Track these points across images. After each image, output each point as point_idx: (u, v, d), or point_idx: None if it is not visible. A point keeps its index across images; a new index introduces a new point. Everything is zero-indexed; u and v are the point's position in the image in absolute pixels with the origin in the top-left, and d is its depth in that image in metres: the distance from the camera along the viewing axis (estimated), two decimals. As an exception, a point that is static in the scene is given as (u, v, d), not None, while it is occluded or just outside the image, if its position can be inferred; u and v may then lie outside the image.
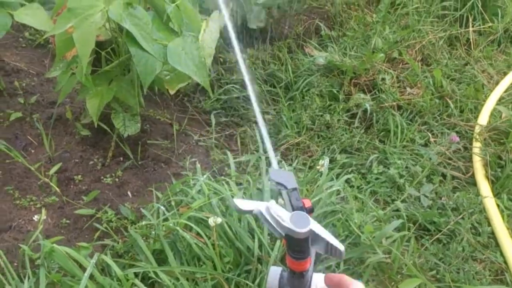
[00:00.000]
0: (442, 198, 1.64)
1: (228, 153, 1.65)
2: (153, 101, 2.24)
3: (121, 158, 1.78)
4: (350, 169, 1.80)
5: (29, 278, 1.02)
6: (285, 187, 0.95)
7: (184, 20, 1.94)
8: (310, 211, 0.94)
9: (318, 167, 1.37)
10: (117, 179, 1.68)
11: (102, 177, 1.68)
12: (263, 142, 1.98)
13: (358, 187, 1.70)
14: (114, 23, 1.61)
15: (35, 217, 1.21)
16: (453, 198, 1.63)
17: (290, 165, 1.83)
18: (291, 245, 0.93)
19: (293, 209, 0.92)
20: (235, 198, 0.94)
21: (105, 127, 1.71)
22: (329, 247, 0.88)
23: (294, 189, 0.95)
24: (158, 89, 2.13)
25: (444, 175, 1.79)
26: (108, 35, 1.80)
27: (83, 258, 1.12)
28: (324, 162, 1.39)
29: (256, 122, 2.21)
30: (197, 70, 1.61)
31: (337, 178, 1.52)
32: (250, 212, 0.93)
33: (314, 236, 0.89)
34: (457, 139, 1.80)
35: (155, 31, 1.57)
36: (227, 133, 2.20)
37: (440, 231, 1.49)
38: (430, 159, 1.82)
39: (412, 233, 1.31)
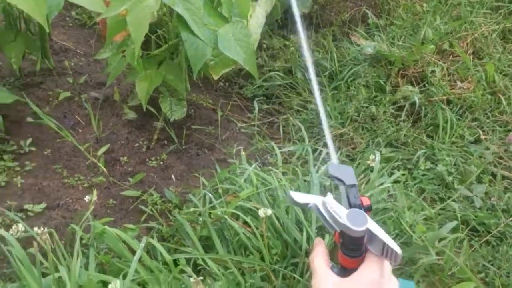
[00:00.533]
0: (492, 199, 1.59)
1: (273, 144, 1.63)
2: (196, 86, 2.24)
3: (166, 142, 1.80)
4: (395, 164, 1.75)
5: (78, 257, 1.03)
6: (344, 183, 0.93)
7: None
8: (368, 209, 0.92)
9: (368, 162, 1.34)
10: (161, 162, 1.69)
11: (147, 160, 1.70)
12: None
13: (404, 182, 1.66)
14: (165, 6, 1.61)
15: (86, 198, 1.23)
16: (504, 199, 1.57)
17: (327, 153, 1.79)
18: (346, 242, 0.91)
19: (350, 206, 0.90)
20: (291, 191, 0.92)
21: (152, 109, 1.72)
22: (385, 249, 0.85)
23: (353, 185, 0.92)
24: (203, 74, 2.13)
25: (494, 175, 1.73)
26: (154, 18, 1.81)
27: (131, 239, 1.14)
28: (376, 157, 1.35)
29: (298, 111, 2.18)
30: (246, 57, 1.60)
31: (380, 172, 1.49)
32: (306, 205, 0.92)
33: (370, 236, 0.87)
34: None
35: (206, 16, 1.56)
36: (268, 120, 2.19)
37: (489, 232, 1.44)
38: (480, 157, 1.76)
39: (465, 235, 1.26)
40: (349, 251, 0.91)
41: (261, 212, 1.07)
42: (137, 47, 1.39)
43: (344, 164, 1.04)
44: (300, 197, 0.93)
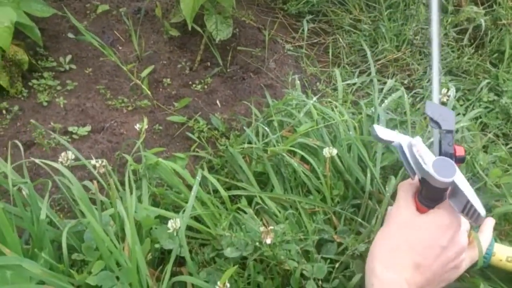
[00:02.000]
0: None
1: (337, 72, 1.50)
2: (237, 1, 2.07)
3: (209, 64, 1.69)
4: (457, 95, 1.62)
5: (131, 190, 0.99)
6: (440, 127, 0.83)
7: None
8: (460, 160, 0.83)
9: (440, 97, 1.22)
10: (206, 86, 1.60)
11: (190, 83, 1.61)
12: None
13: (463, 115, 1.55)
14: None
15: (137, 126, 1.18)
16: None
17: (385, 83, 1.67)
18: (425, 191, 0.84)
19: (441, 154, 0.82)
20: (376, 125, 0.84)
21: (198, 28, 1.59)
22: (467, 207, 0.78)
23: (449, 131, 0.83)
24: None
25: None
26: None
27: (185, 172, 1.09)
28: (450, 91, 1.23)
29: (348, 31, 2.02)
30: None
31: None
32: (390, 142, 0.84)
33: (454, 190, 0.79)
34: None
35: None
36: (315, 41, 2.03)
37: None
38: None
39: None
40: (427, 201, 0.85)
41: (325, 151, 0.99)
42: None
43: (445, 107, 0.93)
44: (384, 133, 0.85)
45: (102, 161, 0.96)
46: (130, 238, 0.86)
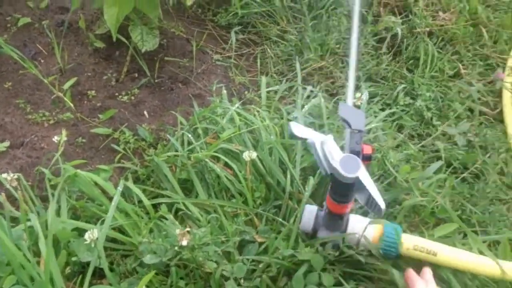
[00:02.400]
0: (469, 135, 1.58)
1: (263, 79, 1.54)
2: (167, 12, 2.08)
3: (136, 75, 1.68)
4: (375, 100, 1.71)
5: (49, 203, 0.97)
6: (350, 126, 0.89)
7: None
8: (367, 158, 0.89)
9: (354, 101, 1.29)
10: (132, 97, 1.59)
11: (117, 94, 1.60)
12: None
13: (384, 120, 1.64)
14: None
15: (55, 138, 1.15)
16: (481, 135, 1.57)
17: (312, 91, 1.73)
18: (335, 186, 0.89)
19: (350, 152, 0.87)
20: (292, 122, 0.88)
21: (123, 39, 1.58)
22: (370, 201, 0.84)
23: (359, 131, 0.89)
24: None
25: (471, 110, 1.72)
26: None
27: (106, 183, 1.08)
28: (363, 95, 1.31)
29: (276, 42, 2.08)
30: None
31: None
32: (304, 139, 0.88)
33: (359, 185, 0.84)
34: (503, 75, 1.70)
35: None
36: (244, 52, 2.08)
37: (466, 169, 1.45)
38: (459, 92, 1.74)
39: (447, 175, 1.26)
40: (337, 196, 0.89)
41: (245, 155, 1.02)
42: None
43: (356, 108, 0.99)
44: (300, 130, 0.89)
45: (14, 175, 0.93)
46: (45, 252, 0.84)
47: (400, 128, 1.62)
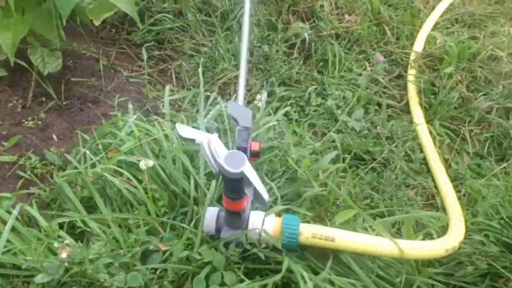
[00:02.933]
0: (378, 127, 1.66)
1: (167, 88, 1.54)
2: (77, 34, 2.05)
3: (43, 99, 1.64)
4: (288, 102, 1.76)
5: None
6: (238, 124, 0.91)
7: None
8: (255, 154, 0.91)
9: (256, 102, 1.32)
10: (40, 122, 1.55)
11: (23, 120, 1.55)
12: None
13: (296, 120, 1.68)
14: None
15: None
16: (388, 126, 1.65)
17: (227, 100, 1.76)
18: (225, 184, 0.90)
19: (236, 148, 0.89)
20: (179, 124, 0.88)
21: (23, 63, 1.54)
22: (256, 194, 0.86)
23: (246, 128, 0.91)
24: (81, 20, 1.95)
25: (379, 104, 1.80)
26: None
27: (3, 210, 1.04)
28: (262, 96, 1.34)
29: (192, 55, 2.10)
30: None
31: (275, 112, 1.49)
32: (192, 140, 0.88)
33: (246, 180, 0.86)
34: (382, 58, 1.80)
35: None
36: (161, 67, 2.08)
37: (375, 159, 1.51)
38: (367, 88, 1.82)
39: (347, 164, 1.31)
40: (229, 193, 0.91)
41: (142, 164, 1.01)
42: None
43: (244, 107, 1.02)
44: (187, 132, 0.89)
45: None
46: None
47: (313, 127, 1.67)
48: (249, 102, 1.85)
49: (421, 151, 1.58)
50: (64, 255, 0.77)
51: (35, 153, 1.43)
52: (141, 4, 2.25)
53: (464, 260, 1.09)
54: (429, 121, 1.69)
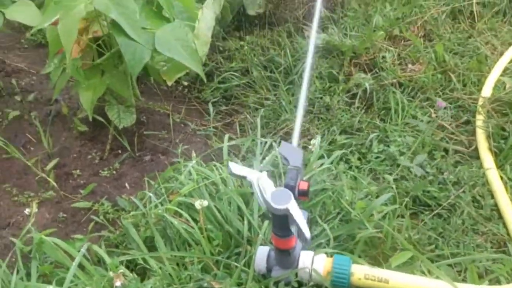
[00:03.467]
0: (444, 174, 1.60)
1: (226, 136, 1.63)
2: (154, 94, 2.25)
3: (119, 151, 1.79)
4: (350, 150, 1.76)
5: (18, 270, 1.02)
6: (288, 163, 0.95)
7: (179, 9, 1.93)
8: (303, 194, 0.93)
9: (310, 147, 1.35)
10: (114, 172, 1.68)
11: (100, 171, 1.69)
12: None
13: (357, 166, 1.67)
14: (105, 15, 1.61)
15: (26, 211, 1.22)
16: (455, 172, 1.59)
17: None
18: (273, 221, 0.92)
19: (284, 186, 0.92)
20: (231, 162, 0.93)
21: (101, 119, 1.71)
22: (299, 231, 0.87)
23: (296, 168, 0.95)
24: (155, 80, 2.13)
25: (446, 150, 1.74)
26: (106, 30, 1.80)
27: (74, 249, 1.13)
28: (316, 141, 1.37)
29: (256, 109, 2.19)
30: (189, 56, 1.60)
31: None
32: (243, 177, 0.93)
33: (291, 217, 0.88)
34: (443, 104, 1.75)
35: (144, 20, 1.56)
36: (227, 121, 2.19)
37: (440, 205, 1.45)
38: (432, 134, 1.78)
39: (404, 207, 1.27)
40: (277, 230, 0.92)
41: (197, 204, 1.07)
42: (69, 55, 1.39)
43: (297, 147, 1.06)
44: (239, 169, 0.94)
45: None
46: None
47: (374, 172, 1.65)
48: (304, 147, 1.89)
49: (492, 197, 1.49)
50: (118, 283, 0.82)
51: (108, 199, 1.55)
52: (210, 65, 2.43)
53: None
54: (500, 166, 1.61)
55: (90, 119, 1.61)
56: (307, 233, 0.83)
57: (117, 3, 1.44)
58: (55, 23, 1.51)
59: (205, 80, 1.95)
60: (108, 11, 1.43)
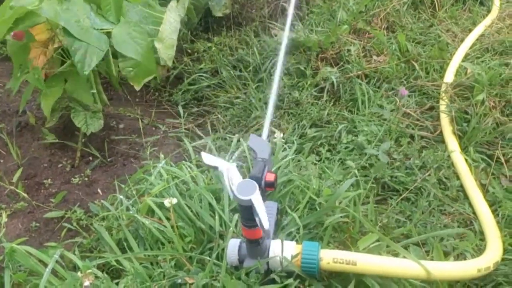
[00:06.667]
0: (411, 159, 1.64)
1: (185, 138, 1.64)
2: (124, 99, 2.24)
3: (90, 158, 1.78)
4: (320, 142, 1.80)
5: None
6: (256, 155, 0.96)
7: (143, 14, 1.94)
8: (269, 185, 0.95)
9: (274, 140, 1.37)
10: (86, 179, 1.68)
11: (71, 178, 1.68)
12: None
13: (327, 158, 1.71)
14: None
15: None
16: (420, 157, 1.64)
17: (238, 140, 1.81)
18: (240, 211, 0.94)
19: (250, 177, 0.93)
20: (204, 153, 0.95)
21: (66, 131, 1.70)
22: (259, 222, 0.89)
23: (262, 159, 0.97)
24: (121, 86, 2.13)
25: (412, 136, 1.79)
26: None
27: (47, 256, 1.12)
28: (278, 134, 1.41)
29: (227, 108, 2.21)
30: (144, 53, 1.61)
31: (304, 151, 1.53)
32: (215, 168, 0.94)
33: (254, 209, 0.90)
34: (406, 92, 1.79)
35: (96, 21, 1.56)
36: (199, 122, 2.21)
37: (408, 189, 1.50)
38: (399, 122, 1.83)
39: (367, 190, 1.31)
40: (244, 221, 0.94)
41: (166, 202, 1.08)
42: (17, 66, 1.39)
43: (265, 140, 1.08)
44: (211, 160, 0.96)
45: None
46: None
47: (344, 163, 1.69)
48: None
49: (457, 178, 1.54)
50: (86, 283, 0.82)
51: (81, 206, 1.54)
52: (179, 67, 2.44)
53: (502, 281, 1.03)
54: (464, 149, 1.66)
55: (53, 124, 1.60)
56: (266, 225, 0.86)
57: (66, 9, 1.44)
58: (19, 37, 1.51)
59: (158, 76, 1.95)
60: (56, 18, 1.42)
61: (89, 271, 0.84)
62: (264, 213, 0.86)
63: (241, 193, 0.87)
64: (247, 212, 0.91)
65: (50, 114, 1.55)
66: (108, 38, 1.48)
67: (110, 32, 1.51)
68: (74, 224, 1.46)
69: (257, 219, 0.88)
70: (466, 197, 1.47)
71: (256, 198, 0.87)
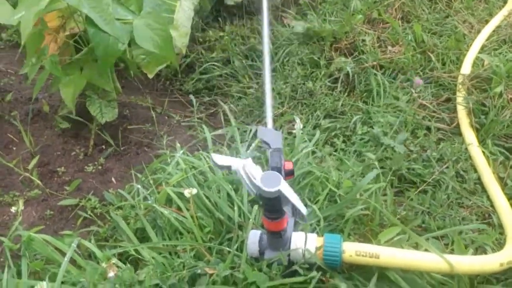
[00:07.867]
0: (428, 151, 1.62)
1: (205, 127, 1.62)
2: (136, 88, 2.23)
3: (103, 146, 1.77)
4: (334, 133, 1.78)
5: (9, 268, 1.01)
6: (269, 146, 0.95)
7: (157, 2, 1.91)
8: (289, 173, 0.94)
9: (293, 131, 1.36)
10: (100, 167, 1.67)
11: (85, 167, 1.67)
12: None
13: (342, 149, 1.69)
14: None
15: (13, 209, 1.21)
16: (438, 149, 1.61)
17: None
18: (264, 204, 0.92)
19: (271, 169, 0.92)
20: (214, 154, 0.93)
21: (80, 119, 1.69)
22: (294, 210, 0.88)
23: (278, 149, 0.95)
24: (135, 75, 2.11)
25: (429, 128, 1.77)
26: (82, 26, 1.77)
27: (63, 244, 1.12)
28: (297, 123, 1.38)
29: (240, 98, 2.19)
30: (163, 44, 1.59)
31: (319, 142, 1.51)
32: (228, 167, 0.93)
33: (283, 198, 0.88)
34: (421, 81, 1.77)
35: (117, 11, 1.54)
36: (211, 111, 2.19)
37: (425, 182, 1.48)
38: (414, 114, 1.80)
39: (387, 183, 1.29)
40: (269, 213, 0.93)
41: (186, 193, 1.07)
42: (30, 52, 1.37)
43: (273, 129, 1.07)
44: (222, 159, 0.94)
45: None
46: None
47: (359, 154, 1.67)
48: (295, 137, 1.89)
49: (475, 171, 1.52)
50: (111, 274, 0.82)
51: (95, 195, 1.54)
52: (191, 56, 2.41)
53: (525, 276, 1.02)
54: (481, 141, 1.64)
55: (74, 114, 1.59)
56: (303, 209, 0.84)
57: (89, -4, 1.42)
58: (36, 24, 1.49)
59: (177, 66, 1.94)
60: (80, 6, 1.41)
61: (113, 261, 0.83)
62: (297, 198, 0.85)
63: (267, 185, 0.86)
64: (272, 204, 0.89)
65: (71, 102, 1.53)
66: (130, 30, 1.47)
67: (130, 22, 1.49)
68: (89, 212, 1.45)
69: (287, 208, 0.87)
70: (484, 190, 1.45)
71: (284, 187, 0.86)
